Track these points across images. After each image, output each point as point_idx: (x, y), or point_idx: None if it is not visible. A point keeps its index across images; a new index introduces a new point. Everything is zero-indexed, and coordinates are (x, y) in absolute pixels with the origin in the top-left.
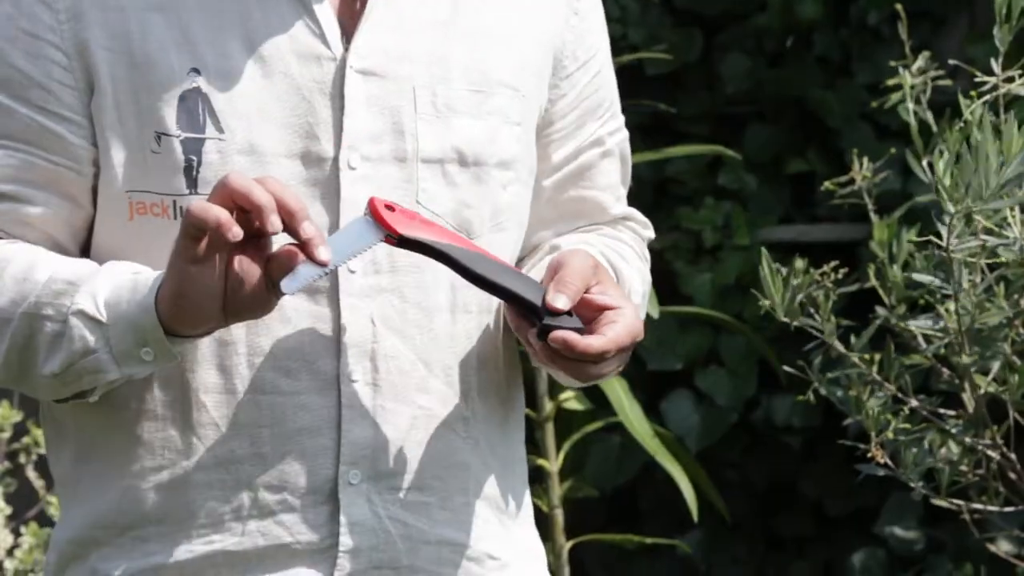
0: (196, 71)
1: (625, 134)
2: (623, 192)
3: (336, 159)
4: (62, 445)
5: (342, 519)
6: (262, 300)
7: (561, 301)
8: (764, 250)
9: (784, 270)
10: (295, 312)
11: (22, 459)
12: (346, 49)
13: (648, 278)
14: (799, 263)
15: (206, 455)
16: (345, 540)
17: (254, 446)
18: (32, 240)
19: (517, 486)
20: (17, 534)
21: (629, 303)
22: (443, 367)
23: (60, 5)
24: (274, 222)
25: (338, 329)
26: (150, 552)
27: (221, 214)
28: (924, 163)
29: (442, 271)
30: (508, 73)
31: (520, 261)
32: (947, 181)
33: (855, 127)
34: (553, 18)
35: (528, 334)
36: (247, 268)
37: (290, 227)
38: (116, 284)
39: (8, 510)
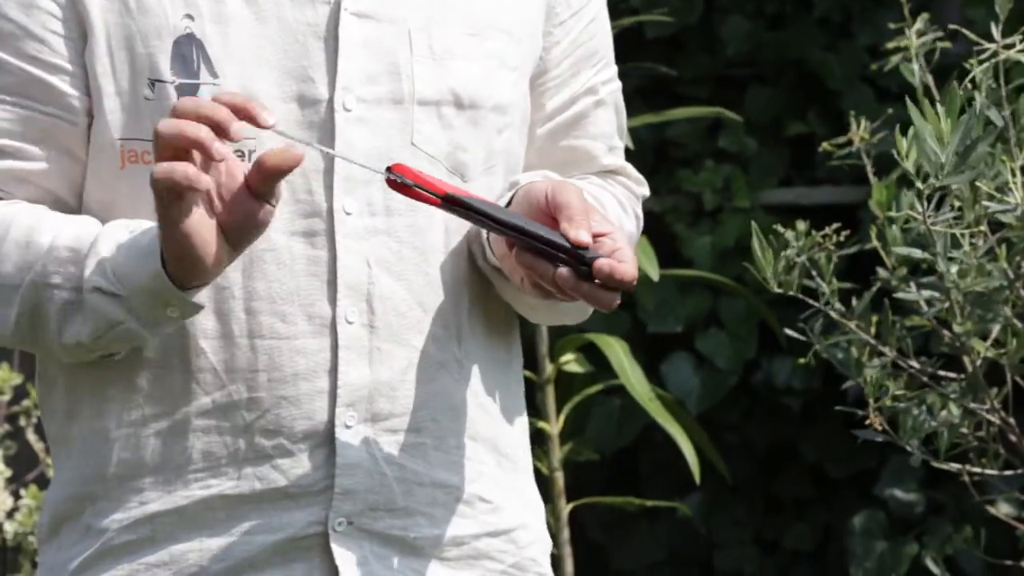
0: (189, 16)
1: (618, 84)
2: (617, 143)
3: (331, 101)
4: (55, 403)
5: (338, 461)
6: (257, 215)
7: (585, 236)
8: (755, 224)
9: (783, 232)
10: (290, 255)
11: (22, 422)
12: None
13: (634, 234)
14: (800, 225)
15: (205, 400)
16: (341, 482)
17: (251, 391)
18: (33, 198)
19: (517, 435)
20: (17, 497)
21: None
22: (439, 308)
23: None
24: (218, 149)
25: (334, 271)
26: (146, 500)
27: (186, 169)
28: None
29: (437, 213)
30: (503, 18)
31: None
32: (909, 160)
33: (855, 89)
34: None
35: (554, 273)
36: (230, 198)
37: (228, 129)
38: (121, 250)
39: (8, 473)
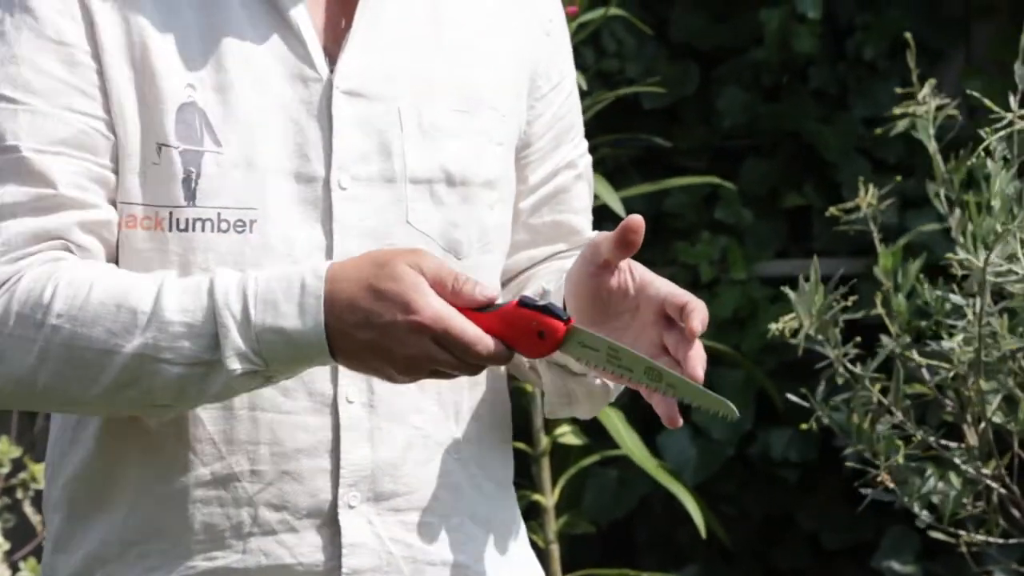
0: (191, 87)
1: (590, 158)
2: (591, 216)
3: (327, 180)
4: (63, 468)
5: (343, 541)
6: None
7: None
8: (816, 258)
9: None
10: None
11: (19, 494)
12: (331, 71)
13: None
14: (814, 276)
15: (203, 471)
16: (348, 562)
17: (252, 463)
18: (95, 251)
19: (512, 507)
20: (15, 569)
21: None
22: (435, 388)
23: (76, 12)
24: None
25: None
26: (152, 567)
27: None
28: (942, 195)
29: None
30: (490, 92)
31: (502, 286)
32: (964, 235)
33: (852, 161)
34: (528, 38)
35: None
36: None
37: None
38: (268, 329)
39: (7, 546)
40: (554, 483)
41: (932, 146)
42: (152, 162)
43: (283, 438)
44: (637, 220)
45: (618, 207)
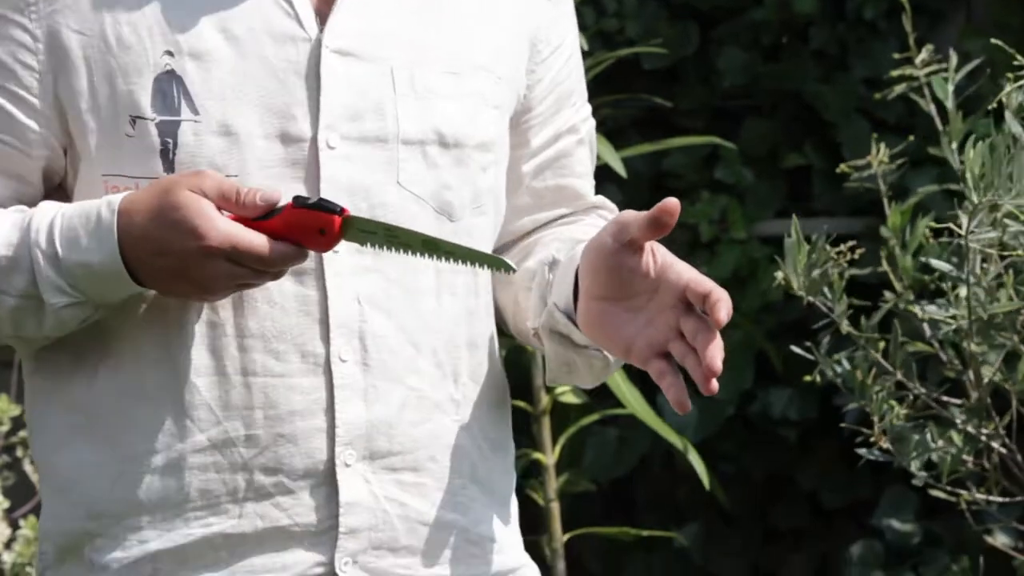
0: (169, 53)
1: (593, 122)
2: (593, 177)
3: (315, 139)
4: (48, 432)
5: (341, 500)
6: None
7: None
8: (795, 217)
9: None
10: (281, 294)
11: (19, 452)
12: (321, 31)
13: None
14: (819, 239)
15: (200, 437)
16: (345, 521)
17: (247, 428)
18: None
19: (508, 473)
20: (15, 527)
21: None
22: (431, 348)
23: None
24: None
25: (325, 309)
26: (145, 539)
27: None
28: (953, 146)
29: None
30: (485, 56)
31: (500, 250)
32: (977, 170)
33: (851, 121)
34: (528, 2)
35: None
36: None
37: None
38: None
39: (6, 504)
40: (554, 441)
41: (950, 104)
42: (127, 134)
43: (277, 401)
44: (673, 203)
45: (619, 167)
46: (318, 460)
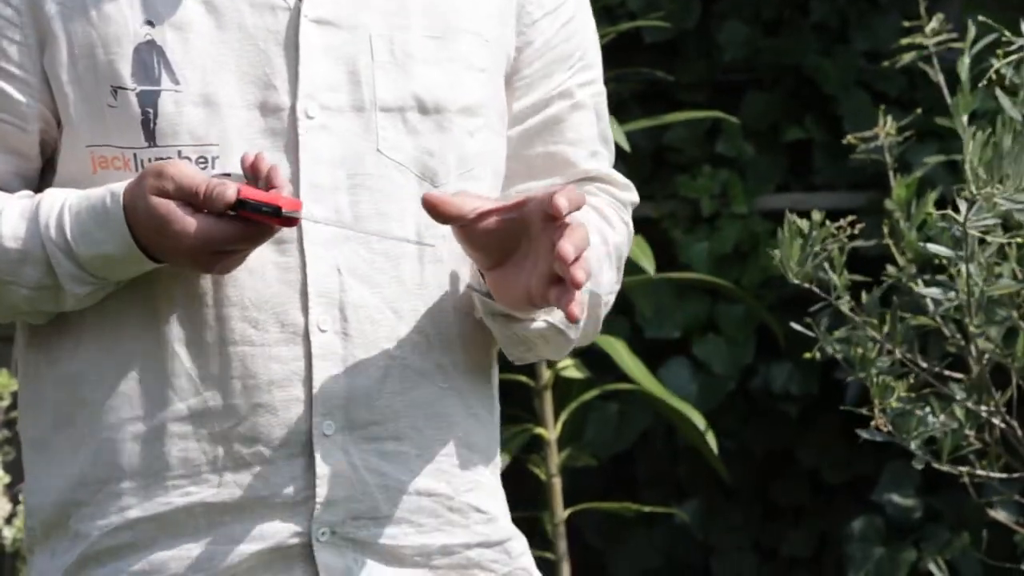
0: (150, 23)
1: (601, 89)
2: (600, 149)
3: (293, 108)
4: (40, 407)
5: (318, 471)
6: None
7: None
8: (787, 212)
9: (797, 221)
10: (260, 262)
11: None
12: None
13: (615, 239)
14: (817, 216)
15: (180, 406)
16: (321, 491)
17: (226, 398)
18: None
19: (495, 440)
20: (16, 502)
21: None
22: (414, 315)
23: None
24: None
25: (304, 279)
26: (125, 507)
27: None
28: (964, 119)
29: (408, 218)
30: (469, 19)
31: None
32: (976, 163)
33: (852, 94)
34: None
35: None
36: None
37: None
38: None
39: (7, 479)
40: (556, 416)
41: (965, 75)
42: (109, 104)
43: (256, 371)
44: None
45: (623, 141)
46: (296, 430)
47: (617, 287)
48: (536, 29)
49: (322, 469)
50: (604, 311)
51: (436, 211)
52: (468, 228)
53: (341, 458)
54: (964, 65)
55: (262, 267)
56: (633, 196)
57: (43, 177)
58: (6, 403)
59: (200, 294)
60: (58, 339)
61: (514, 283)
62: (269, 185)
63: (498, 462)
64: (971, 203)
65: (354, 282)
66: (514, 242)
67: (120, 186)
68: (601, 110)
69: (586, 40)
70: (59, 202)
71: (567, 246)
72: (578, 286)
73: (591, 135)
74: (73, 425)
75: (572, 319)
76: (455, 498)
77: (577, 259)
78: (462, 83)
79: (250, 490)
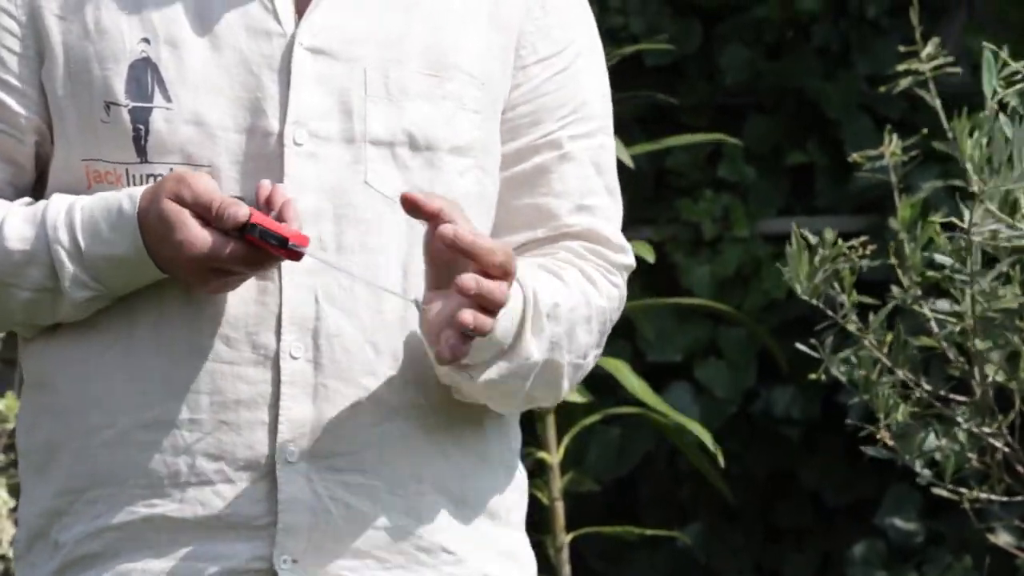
0: (146, 40)
1: (603, 142)
2: (590, 203)
3: (281, 134)
4: (25, 414)
5: (280, 496)
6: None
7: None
8: (795, 225)
9: (809, 237)
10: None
11: None
12: (297, 27)
13: (599, 303)
14: (829, 234)
15: (147, 414)
16: (284, 518)
17: (191, 411)
18: None
19: (498, 487)
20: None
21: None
22: (392, 352)
23: None
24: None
25: (280, 304)
26: (97, 514)
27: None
28: (965, 129)
29: (393, 252)
30: (467, 59)
31: None
32: (976, 157)
33: (854, 118)
34: (516, 6)
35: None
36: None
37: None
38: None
39: (12, 503)
40: (558, 441)
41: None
42: (102, 119)
43: (224, 388)
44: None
45: (626, 158)
46: (259, 453)
47: (598, 352)
48: (526, 74)
49: (284, 494)
50: (580, 374)
51: (414, 206)
52: (431, 235)
53: (304, 486)
54: (992, 81)
55: (243, 286)
56: (628, 259)
57: (34, 190)
58: (10, 426)
59: (178, 305)
60: (39, 343)
61: (431, 335)
62: (280, 218)
63: (489, 509)
64: (974, 198)
65: (332, 310)
66: (453, 269)
67: (139, 189)
68: (603, 164)
69: (584, 92)
70: (67, 204)
71: (468, 279)
72: (463, 326)
73: (580, 189)
74: (53, 432)
75: (439, 356)
76: (424, 537)
77: (478, 295)
78: (455, 122)
79: (211, 508)
